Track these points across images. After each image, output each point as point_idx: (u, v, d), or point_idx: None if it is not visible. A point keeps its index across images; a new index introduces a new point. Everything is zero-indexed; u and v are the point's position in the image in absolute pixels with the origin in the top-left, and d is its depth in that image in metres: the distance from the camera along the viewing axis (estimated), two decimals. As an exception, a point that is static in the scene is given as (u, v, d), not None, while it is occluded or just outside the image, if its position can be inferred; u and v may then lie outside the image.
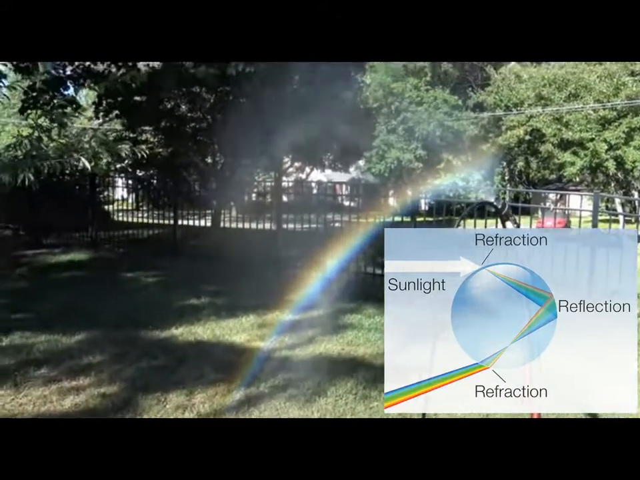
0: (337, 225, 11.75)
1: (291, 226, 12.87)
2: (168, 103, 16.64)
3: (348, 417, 3.79)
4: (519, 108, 21.87)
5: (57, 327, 5.29)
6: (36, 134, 5.28)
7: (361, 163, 36.93)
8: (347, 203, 18.06)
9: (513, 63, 31.27)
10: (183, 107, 17.57)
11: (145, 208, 15.55)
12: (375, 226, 10.76)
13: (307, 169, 26.91)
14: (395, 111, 36.53)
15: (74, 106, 8.65)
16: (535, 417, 2.03)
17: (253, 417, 3.61)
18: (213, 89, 14.48)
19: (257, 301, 6.73)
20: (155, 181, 17.75)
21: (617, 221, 21.05)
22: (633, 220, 21.80)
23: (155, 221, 13.56)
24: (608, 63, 19.77)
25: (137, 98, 16.51)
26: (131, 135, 18.15)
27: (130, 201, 17.52)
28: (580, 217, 7.81)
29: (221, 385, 4.20)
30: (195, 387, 4.15)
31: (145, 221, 13.87)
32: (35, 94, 7.48)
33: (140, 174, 17.46)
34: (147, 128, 17.54)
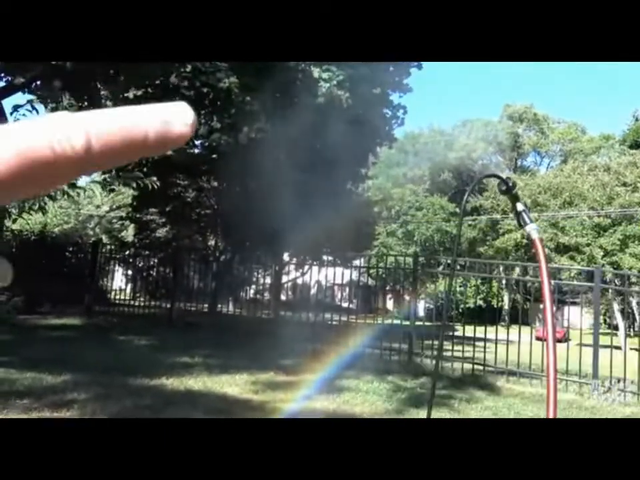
0: (334, 322, 11.58)
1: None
2: (176, 187, 17.12)
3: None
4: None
5: (42, 368, 5.08)
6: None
7: (357, 262, 37.40)
8: (345, 304, 18.03)
9: (508, 172, 32.52)
10: (190, 192, 18.06)
11: (142, 299, 15.37)
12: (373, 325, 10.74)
13: (306, 266, 27.11)
14: (394, 214, 37.57)
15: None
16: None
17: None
18: (223, 167, 14.90)
19: (251, 363, 6.54)
20: (153, 272, 17.48)
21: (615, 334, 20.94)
22: (632, 334, 21.63)
23: (152, 303, 13.55)
24: (600, 174, 20.67)
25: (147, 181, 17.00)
26: (137, 216, 18.56)
27: (127, 290, 17.48)
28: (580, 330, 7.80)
29: (209, 426, 3.96)
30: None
31: (142, 304, 13.79)
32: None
33: (140, 264, 17.31)
34: (153, 210, 17.89)
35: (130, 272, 17.80)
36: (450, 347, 8.22)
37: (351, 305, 18.35)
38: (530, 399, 6.19)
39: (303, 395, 5.29)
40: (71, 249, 15.69)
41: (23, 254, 13.18)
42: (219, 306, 16.54)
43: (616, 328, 19.71)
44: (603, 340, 8.11)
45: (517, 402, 5.92)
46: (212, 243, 20.09)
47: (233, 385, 5.41)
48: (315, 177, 16.69)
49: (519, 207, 2.47)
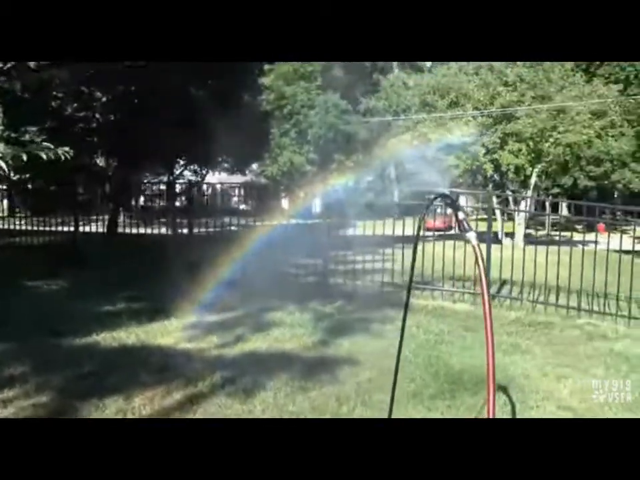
0: (232, 228, 11.70)
1: (185, 231, 12.76)
2: (54, 102, 15.64)
3: (290, 407, 3.95)
4: (406, 113, 23.31)
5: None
6: None
7: (254, 166, 37.02)
8: (241, 207, 18.08)
9: (397, 71, 32.85)
10: (71, 106, 16.60)
11: (22, 214, 14.46)
12: (273, 229, 11.01)
13: (202, 172, 26.56)
14: (287, 114, 37.05)
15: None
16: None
17: (250, 417, 3.64)
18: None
19: (175, 302, 6.63)
20: (31, 186, 16.20)
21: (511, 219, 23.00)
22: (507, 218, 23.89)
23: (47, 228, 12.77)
24: (484, 73, 21.59)
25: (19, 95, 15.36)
26: (12, 135, 16.86)
27: (3, 207, 16.35)
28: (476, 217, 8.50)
29: (158, 387, 4.16)
30: (131, 390, 4.08)
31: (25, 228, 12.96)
32: None
33: (23, 187, 15.94)
34: (31, 128, 16.29)
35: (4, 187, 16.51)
36: (361, 259, 8.82)
37: (246, 207, 18.45)
38: (432, 313, 6.95)
39: (235, 337, 5.59)
40: None
41: None
42: (116, 221, 16.01)
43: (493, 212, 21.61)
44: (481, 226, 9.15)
45: (422, 318, 6.61)
46: (101, 159, 18.96)
47: (166, 335, 5.58)
48: (205, 83, 16.01)
49: (460, 215, 2.73)
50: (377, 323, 6.27)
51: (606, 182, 25.81)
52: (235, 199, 21.00)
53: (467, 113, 20.90)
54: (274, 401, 4.04)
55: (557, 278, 7.22)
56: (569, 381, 4.67)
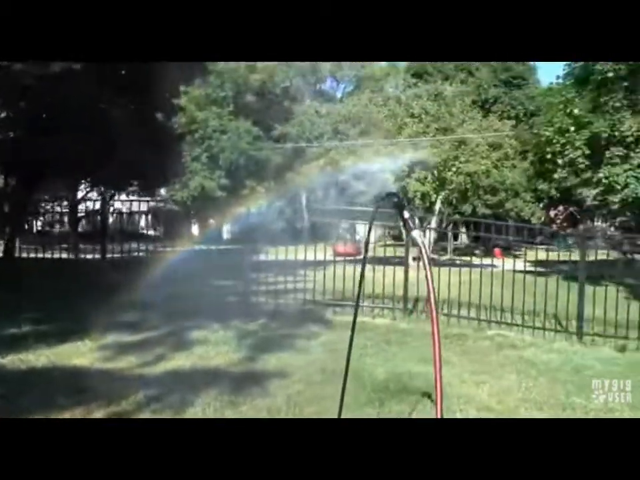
0: (140, 254, 11.38)
1: (88, 256, 12.27)
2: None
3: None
4: (319, 140, 23.93)
5: None
6: None
7: (162, 190, 36.05)
8: (150, 232, 17.54)
9: (309, 101, 33.57)
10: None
11: None
12: (184, 253, 10.85)
13: (109, 194, 25.47)
14: (198, 138, 36.57)
15: None
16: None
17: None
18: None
19: (86, 324, 6.25)
20: None
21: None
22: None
23: None
24: (392, 105, 22.65)
25: None
26: None
27: None
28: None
29: (77, 409, 3.89)
30: (46, 412, 3.78)
31: None
32: None
33: None
34: None
35: None
36: (281, 279, 8.80)
37: (154, 233, 17.95)
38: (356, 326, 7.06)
39: (156, 356, 5.36)
40: None
41: None
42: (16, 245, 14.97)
43: (399, 238, 22.52)
44: (389, 251, 9.51)
45: (345, 333, 6.68)
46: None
47: (80, 356, 5.24)
48: (115, 101, 15.48)
49: (406, 214, 2.83)
50: (301, 339, 6.29)
51: (500, 210, 27.73)
52: (143, 223, 20.31)
53: (377, 141, 21.77)
54: (203, 416, 3.91)
55: (469, 294, 7.64)
56: (486, 386, 4.92)
